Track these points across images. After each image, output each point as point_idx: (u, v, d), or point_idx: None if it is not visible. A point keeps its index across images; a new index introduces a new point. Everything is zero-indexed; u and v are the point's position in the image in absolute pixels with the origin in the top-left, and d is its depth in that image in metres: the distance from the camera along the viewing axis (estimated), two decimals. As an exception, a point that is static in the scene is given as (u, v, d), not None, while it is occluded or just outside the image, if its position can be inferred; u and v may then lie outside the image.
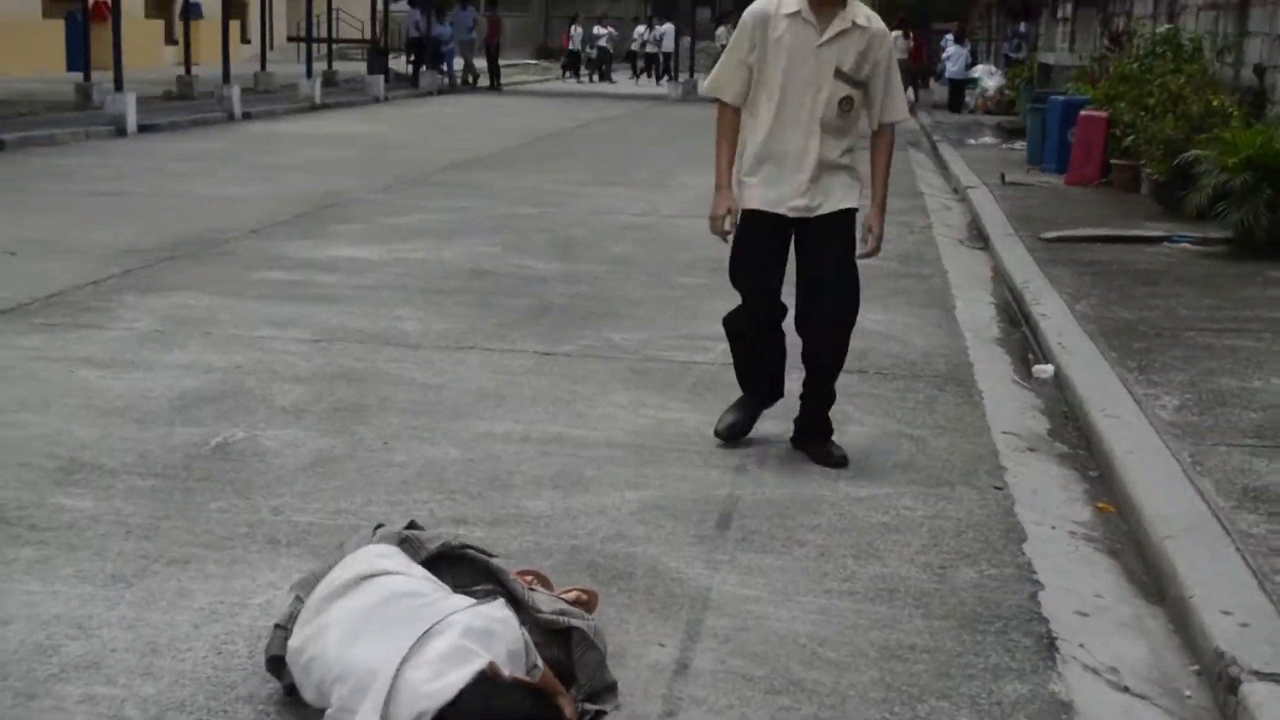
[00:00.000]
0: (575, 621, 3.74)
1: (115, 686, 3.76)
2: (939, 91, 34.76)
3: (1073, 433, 6.59)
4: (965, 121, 28.08)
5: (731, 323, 6.07)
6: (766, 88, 5.67)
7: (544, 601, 3.83)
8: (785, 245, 5.86)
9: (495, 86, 41.34)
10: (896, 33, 27.89)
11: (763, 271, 5.85)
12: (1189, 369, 7.29)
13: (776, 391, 6.17)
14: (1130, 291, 9.55)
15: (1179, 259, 11.08)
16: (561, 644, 3.70)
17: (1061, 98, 18.61)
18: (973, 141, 23.04)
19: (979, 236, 13.03)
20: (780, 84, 5.62)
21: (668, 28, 48.19)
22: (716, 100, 5.90)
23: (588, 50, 50.82)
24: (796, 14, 5.60)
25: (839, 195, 5.74)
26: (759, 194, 5.74)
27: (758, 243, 5.82)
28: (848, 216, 5.79)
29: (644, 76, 49.74)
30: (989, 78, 32.13)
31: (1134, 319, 8.59)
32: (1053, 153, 17.82)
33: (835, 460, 5.85)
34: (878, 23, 5.70)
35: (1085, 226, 12.61)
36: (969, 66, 34.07)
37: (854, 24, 5.60)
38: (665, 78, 45.06)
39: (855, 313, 5.93)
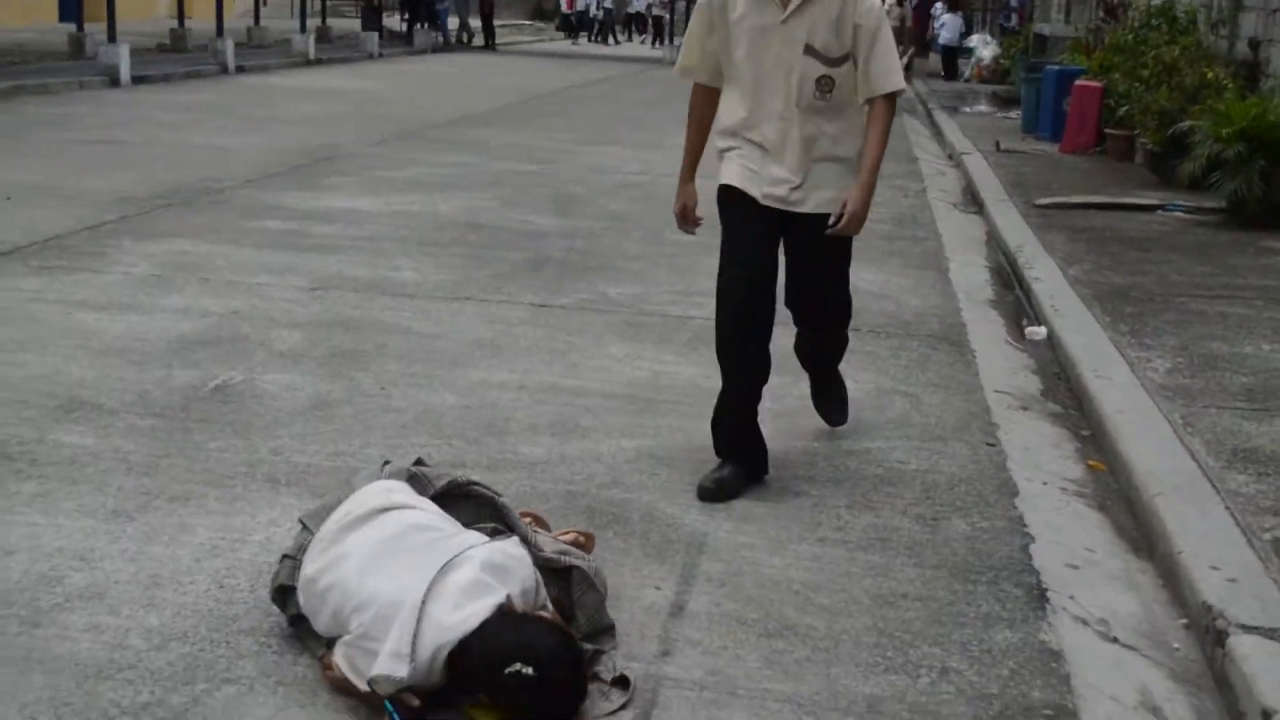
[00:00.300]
0: (576, 561, 3.79)
1: (119, 616, 3.81)
2: (934, 60, 34.67)
3: (1065, 393, 6.64)
4: (960, 89, 28.04)
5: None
6: (735, 75, 4.97)
7: (545, 542, 3.87)
8: (770, 226, 5.03)
9: (490, 46, 41.24)
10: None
11: (743, 248, 5.01)
12: (1180, 333, 7.34)
13: (756, 457, 5.14)
14: (1123, 257, 9.59)
15: (1172, 227, 11.12)
16: (561, 584, 3.75)
17: (1057, 68, 18.62)
18: (967, 109, 23.02)
19: (973, 201, 13.05)
20: (749, 71, 4.91)
21: None
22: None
23: (595, 12, 50.89)
24: None
25: (830, 192, 4.96)
26: (735, 170, 5.01)
27: (738, 218, 5.02)
28: (840, 241, 5.12)
29: (649, 40, 49.78)
30: (984, 47, 32.05)
31: (1127, 284, 8.64)
32: (1047, 121, 17.84)
33: (833, 420, 5.70)
34: None
35: (1079, 194, 12.63)
36: (964, 35, 34.01)
37: None
38: (660, 40, 45.07)
39: (847, 318, 5.53)
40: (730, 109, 5.02)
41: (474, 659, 3.24)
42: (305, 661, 3.59)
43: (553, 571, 3.73)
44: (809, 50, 4.83)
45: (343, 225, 9.90)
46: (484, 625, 3.26)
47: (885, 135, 4.95)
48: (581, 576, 3.73)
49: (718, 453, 5.14)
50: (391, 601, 3.34)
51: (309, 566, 3.59)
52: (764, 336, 5.02)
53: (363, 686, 3.32)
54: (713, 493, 4.93)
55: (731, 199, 5.01)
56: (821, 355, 5.62)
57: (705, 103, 5.12)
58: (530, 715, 3.26)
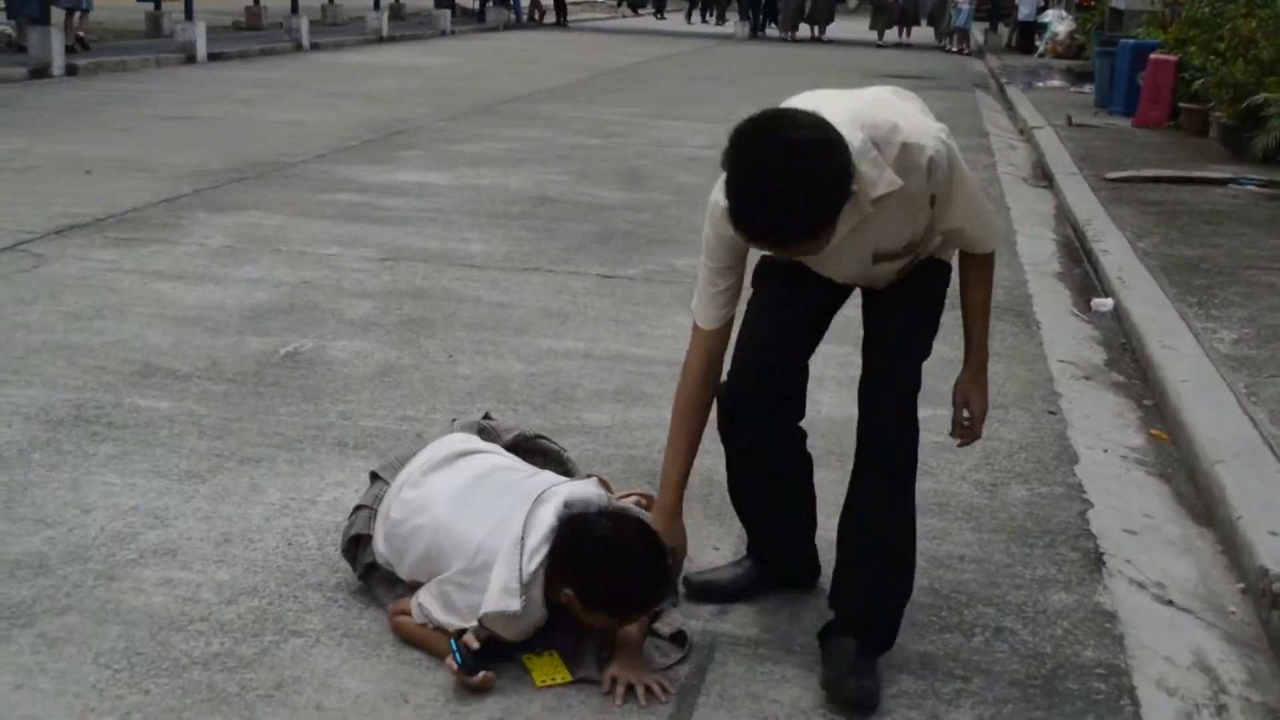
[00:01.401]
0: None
1: (191, 571, 3.92)
2: (1003, 34, 34.39)
3: (1129, 363, 6.64)
4: (1034, 65, 27.84)
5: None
6: None
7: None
8: (815, 306, 3.82)
9: (561, 23, 41.29)
10: None
11: (765, 335, 3.82)
12: (1249, 305, 7.30)
13: (802, 560, 4.09)
14: (1193, 231, 9.53)
15: (1245, 201, 11.02)
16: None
17: (1131, 41, 18.46)
18: (1040, 84, 22.85)
19: (1043, 176, 13.00)
20: None
21: None
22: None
23: None
24: None
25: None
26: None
27: (771, 289, 3.78)
28: (932, 264, 3.74)
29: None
30: (1059, 22, 31.78)
31: (1196, 257, 8.59)
32: (1121, 96, 17.70)
33: (861, 698, 3.42)
34: (914, 158, 3.25)
35: (1150, 168, 12.55)
36: (1040, 10, 33.76)
37: (874, 201, 3.24)
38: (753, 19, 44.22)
39: (914, 385, 3.98)
40: None
41: (564, 548, 3.34)
42: (371, 615, 3.69)
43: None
44: (881, 258, 3.53)
45: (413, 198, 10.02)
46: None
47: (990, 294, 3.85)
48: (642, 532, 3.79)
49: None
50: (489, 537, 3.41)
51: (394, 511, 3.66)
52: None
53: (458, 624, 3.38)
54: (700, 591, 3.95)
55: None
56: (877, 465, 4.01)
57: (707, 379, 3.80)
58: (612, 593, 3.32)
